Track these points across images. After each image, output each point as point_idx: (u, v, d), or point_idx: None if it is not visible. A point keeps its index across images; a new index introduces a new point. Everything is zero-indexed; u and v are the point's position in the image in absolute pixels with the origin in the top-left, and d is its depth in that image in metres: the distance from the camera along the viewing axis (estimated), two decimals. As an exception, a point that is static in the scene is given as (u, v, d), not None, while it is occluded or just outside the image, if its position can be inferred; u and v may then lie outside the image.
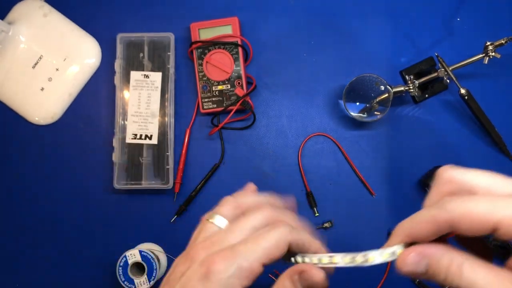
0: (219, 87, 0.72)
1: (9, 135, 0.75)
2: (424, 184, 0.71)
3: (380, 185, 0.73)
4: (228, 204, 0.38)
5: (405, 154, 0.73)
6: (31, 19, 0.74)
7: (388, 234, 0.71)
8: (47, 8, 0.75)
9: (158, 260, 0.69)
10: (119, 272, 0.67)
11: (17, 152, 0.75)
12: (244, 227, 0.34)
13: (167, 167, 0.72)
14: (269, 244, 0.33)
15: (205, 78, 0.72)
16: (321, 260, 0.34)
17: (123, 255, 0.67)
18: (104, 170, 0.74)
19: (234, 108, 0.71)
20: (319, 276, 0.33)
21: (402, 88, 0.70)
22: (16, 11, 0.75)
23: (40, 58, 0.73)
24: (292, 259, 0.36)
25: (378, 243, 0.74)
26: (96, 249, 0.73)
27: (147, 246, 0.72)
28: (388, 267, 0.71)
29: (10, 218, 0.74)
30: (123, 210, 0.74)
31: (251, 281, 0.32)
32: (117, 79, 0.72)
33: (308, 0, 0.76)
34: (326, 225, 0.72)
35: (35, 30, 0.74)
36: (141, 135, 0.72)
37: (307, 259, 0.35)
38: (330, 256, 0.34)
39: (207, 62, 0.73)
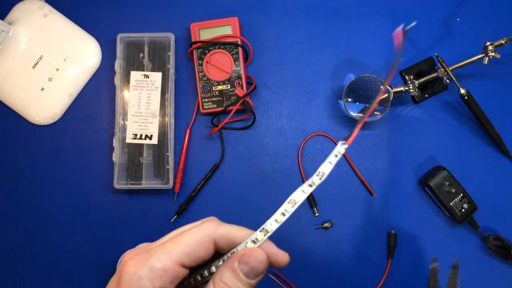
0: (219, 87, 0.72)
1: (10, 135, 0.75)
2: (424, 184, 0.71)
3: (380, 185, 0.73)
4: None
5: (405, 154, 0.73)
6: (32, 19, 0.74)
7: (388, 235, 0.71)
8: (48, 8, 0.75)
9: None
10: (119, 272, 0.66)
11: (17, 152, 0.75)
12: (173, 232, 0.35)
13: (167, 167, 0.72)
14: (190, 241, 0.32)
15: (205, 78, 0.72)
16: (257, 237, 0.34)
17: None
18: (104, 170, 0.74)
19: (234, 108, 0.71)
20: (261, 254, 0.33)
21: (402, 88, 0.70)
22: (17, 11, 0.75)
23: (40, 58, 0.73)
24: (219, 262, 0.35)
25: (378, 243, 0.74)
26: (96, 249, 0.73)
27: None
28: (388, 267, 0.71)
29: (10, 218, 0.74)
30: (123, 210, 0.74)
31: (170, 283, 0.31)
32: (117, 79, 0.72)
33: (308, 0, 0.76)
34: (326, 225, 0.72)
35: (36, 30, 0.74)
36: (141, 135, 0.72)
37: (240, 248, 0.34)
38: (261, 229, 0.34)
39: (207, 62, 0.73)
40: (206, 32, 0.73)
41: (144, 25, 0.75)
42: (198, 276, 0.35)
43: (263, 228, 0.34)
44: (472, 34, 0.75)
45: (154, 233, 0.73)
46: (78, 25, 0.75)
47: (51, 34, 0.74)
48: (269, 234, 0.34)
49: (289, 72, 0.75)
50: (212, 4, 0.76)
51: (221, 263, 0.34)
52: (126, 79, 0.72)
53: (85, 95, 0.75)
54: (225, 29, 0.73)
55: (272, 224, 0.34)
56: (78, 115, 0.75)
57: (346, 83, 0.70)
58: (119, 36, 0.73)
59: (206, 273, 0.35)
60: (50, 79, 0.74)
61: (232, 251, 0.34)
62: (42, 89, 0.74)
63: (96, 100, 0.75)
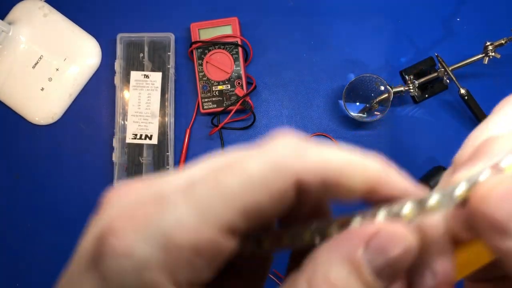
0: (219, 87, 0.72)
1: (9, 135, 0.75)
2: (424, 184, 0.71)
3: (380, 185, 0.73)
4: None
5: (405, 154, 0.73)
6: (31, 19, 0.74)
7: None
8: (47, 8, 0.75)
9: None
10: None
11: (17, 152, 0.75)
12: (211, 159, 0.20)
13: (167, 167, 0.72)
14: (253, 184, 0.18)
15: (205, 78, 0.72)
16: (426, 203, 0.18)
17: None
18: (104, 170, 0.74)
19: (234, 108, 0.71)
20: (409, 235, 0.18)
21: (402, 88, 0.70)
22: (16, 11, 0.75)
23: (40, 58, 0.73)
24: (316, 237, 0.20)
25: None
26: (96, 249, 0.73)
27: None
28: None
29: (10, 218, 0.74)
30: (123, 210, 0.73)
31: (207, 268, 0.18)
32: (117, 79, 0.73)
33: (307, 0, 0.76)
34: (326, 225, 0.71)
35: (35, 30, 0.74)
36: (141, 135, 0.72)
37: (373, 215, 0.19)
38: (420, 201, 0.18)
39: (207, 62, 0.73)
40: (206, 32, 0.73)
41: (144, 25, 0.75)
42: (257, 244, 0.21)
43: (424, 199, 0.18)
44: (472, 34, 0.74)
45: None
46: (78, 25, 0.75)
47: (51, 34, 0.74)
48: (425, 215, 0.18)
49: (289, 72, 0.75)
50: (212, 4, 0.75)
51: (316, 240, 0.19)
52: (126, 79, 0.72)
53: (85, 95, 0.75)
54: (225, 29, 0.73)
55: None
56: (78, 115, 0.75)
57: (346, 83, 0.70)
58: (119, 36, 0.73)
59: (280, 242, 0.20)
60: (50, 79, 0.74)
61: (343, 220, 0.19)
62: (42, 89, 0.74)
63: (96, 100, 0.75)
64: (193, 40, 0.72)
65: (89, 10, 0.76)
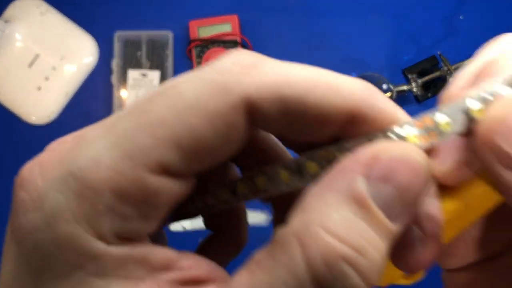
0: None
1: (6, 135, 0.75)
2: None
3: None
4: None
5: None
6: (28, 18, 0.73)
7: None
8: (44, 6, 0.74)
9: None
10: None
11: (14, 151, 0.74)
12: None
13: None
14: (179, 100, 0.15)
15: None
16: (437, 123, 0.16)
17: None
18: (101, 170, 0.73)
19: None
20: (420, 155, 0.15)
21: (404, 88, 0.69)
22: (13, 9, 0.74)
23: (37, 56, 0.73)
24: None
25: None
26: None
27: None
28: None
29: (5, 219, 0.73)
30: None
31: (142, 216, 0.15)
32: (114, 78, 0.72)
33: (308, -3, 0.75)
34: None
35: (32, 28, 0.73)
36: (139, 135, 0.71)
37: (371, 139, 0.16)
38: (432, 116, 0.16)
39: (206, 60, 0.72)
40: (205, 30, 0.72)
41: (141, 23, 0.74)
42: (216, 198, 0.19)
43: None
44: (475, 32, 0.73)
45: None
46: (75, 23, 0.75)
47: (47, 32, 0.73)
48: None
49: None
50: (211, 1, 0.75)
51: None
52: (124, 78, 0.72)
53: (82, 94, 0.75)
54: (225, 27, 0.72)
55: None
56: (75, 115, 0.74)
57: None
58: (117, 34, 0.72)
59: (227, 192, 0.19)
60: (46, 78, 0.73)
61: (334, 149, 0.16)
62: (39, 88, 0.73)
63: (93, 99, 0.74)
64: (191, 38, 0.72)
65: (86, 8, 0.75)
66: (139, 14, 0.75)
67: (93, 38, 0.75)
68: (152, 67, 0.72)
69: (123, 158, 0.14)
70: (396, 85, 0.69)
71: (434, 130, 0.15)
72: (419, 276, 0.24)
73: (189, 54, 0.73)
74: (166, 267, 0.15)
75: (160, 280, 0.15)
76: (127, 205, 0.14)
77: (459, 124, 0.15)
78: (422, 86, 0.71)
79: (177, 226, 0.53)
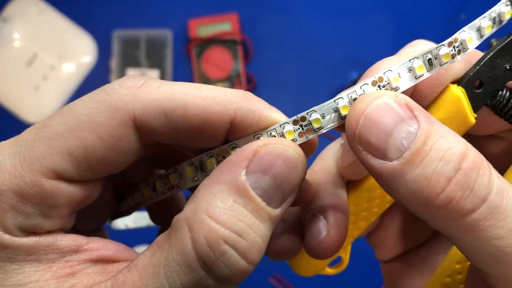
0: (218, 85, 0.71)
1: (4, 134, 0.74)
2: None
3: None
4: None
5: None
6: (26, 17, 0.73)
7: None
8: (42, 5, 0.74)
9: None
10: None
11: (12, 152, 0.74)
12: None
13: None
14: (72, 116, 0.18)
15: (203, 76, 0.71)
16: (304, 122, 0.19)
17: None
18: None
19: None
20: (293, 146, 0.18)
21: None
22: (11, 9, 0.74)
23: (35, 56, 0.73)
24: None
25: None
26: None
27: (144, 249, 0.71)
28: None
29: None
30: (120, 211, 0.73)
31: (42, 213, 0.18)
32: (113, 77, 0.72)
33: (309, -4, 0.75)
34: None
35: (30, 27, 0.73)
36: (138, 135, 0.71)
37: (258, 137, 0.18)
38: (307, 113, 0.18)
39: (205, 59, 0.72)
40: (205, 29, 0.72)
41: (140, 22, 0.74)
42: (142, 196, 0.22)
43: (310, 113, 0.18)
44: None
45: (151, 234, 0.72)
46: (74, 22, 0.75)
47: (46, 31, 0.73)
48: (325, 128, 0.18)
49: (290, 69, 0.74)
50: None
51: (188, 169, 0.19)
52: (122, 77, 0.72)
53: (81, 93, 0.74)
54: (224, 26, 0.72)
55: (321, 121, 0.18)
56: (74, 114, 0.74)
57: (348, 81, 0.69)
58: (115, 33, 0.72)
59: (149, 190, 0.21)
60: (44, 77, 0.73)
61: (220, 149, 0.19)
62: (37, 87, 0.73)
63: (92, 99, 0.74)
64: (191, 37, 0.71)
65: (84, 7, 0.75)
66: (138, 12, 0.75)
67: (91, 37, 0.74)
68: (151, 66, 0.72)
69: (22, 165, 0.17)
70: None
71: (309, 126, 0.18)
72: (343, 267, 0.27)
73: (188, 53, 0.73)
74: (75, 250, 0.18)
75: (71, 262, 0.18)
76: (27, 204, 0.17)
77: (331, 120, 0.18)
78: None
79: (120, 225, 0.55)
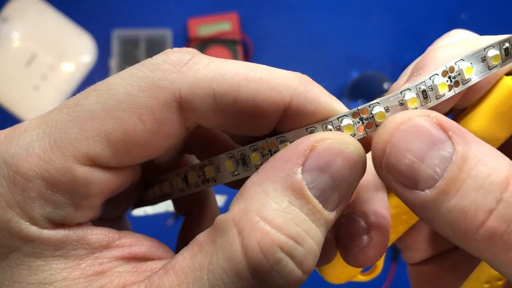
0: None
1: (3, 135, 0.74)
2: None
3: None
4: None
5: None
6: (25, 16, 0.73)
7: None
8: (42, 5, 0.74)
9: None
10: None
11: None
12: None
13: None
14: (110, 95, 0.16)
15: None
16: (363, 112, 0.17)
17: None
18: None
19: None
20: (354, 144, 0.16)
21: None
22: (10, 8, 0.74)
23: (34, 56, 0.73)
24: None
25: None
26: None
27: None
28: (391, 271, 0.69)
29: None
30: (119, 211, 0.72)
31: (73, 203, 0.16)
32: (113, 77, 0.72)
33: (309, -5, 0.75)
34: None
35: (29, 27, 0.73)
36: (137, 135, 0.71)
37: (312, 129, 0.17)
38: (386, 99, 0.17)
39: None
40: (205, 28, 0.72)
41: (140, 21, 0.74)
42: (171, 187, 0.20)
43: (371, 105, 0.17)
44: (478, 31, 0.73)
45: (151, 235, 0.72)
46: (73, 22, 0.74)
47: (45, 31, 0.73)
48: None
49: (290, 69, 0.73)
50: (210, -1, 0.75)
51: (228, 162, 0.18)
52: (122, 77, 0.72)
53: (80, 93, 0.74)
54: (224, 25, 0.72)
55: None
56: (73, 114, 0.74)
57: (349, 81, 0.69)
58: (115, 33, 0.72)
59: (180, 181, 0.20)
60: (44, 77, 0.73)
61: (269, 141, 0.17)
62: (36, 87, 0.73)
63: (91, 99, 0.74)
64: (191, 37, 0.71)
65: (83, 6, 0.75)
66: (137, 12, 0.75)
67: (91, 36, 0.74)
68: (151, 66, 0.72)
69: (52, 148, 0.15)
70: (398, 84, 0.69)
71: (370, 120, 0.16)
72: (376, 273, 0.25)
73: (188, 53, 0.73)
74: (106, 246, 0.16)
75: (101, 258, 0.16)
76: (57, 193, 0.15)
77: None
78: (424, 85, 0.71)
79: (139, 211, 0.54)
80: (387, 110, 0.16)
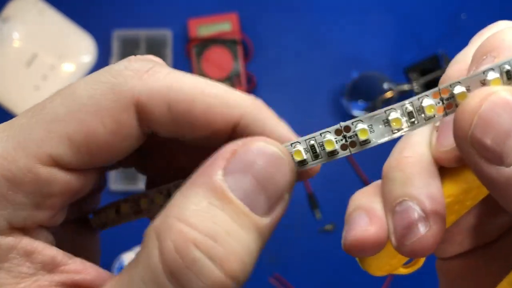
0: (218, 86, 0.71)
1: (3, 135, 0.74)
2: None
3: (384, 186, 0.71)
4: None
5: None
6: (26, 16, 0.73)
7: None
8: (42, 5, 0.74)
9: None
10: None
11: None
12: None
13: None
14: (73, 98, 0.16)
15: (203, 76, 0.71)
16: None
17: (119, 258, 0.66)
18: (100, 170, 0.73)
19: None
20: (276, 145, 0.16)
21: (406, 88, 0.69)
22: (11, 8, 0.74)
23: (35, 56, 0.73)
24: None
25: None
26: (92, 252, 0.72)
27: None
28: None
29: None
30: (120, 211, 0.72)
31: (34, 205, 0.16)
32: (113, 77, 0.72)
33: (309, -5, 0.75)
34: (328, 227, 0.70)
35: (30, 27, 0.73)
36: (137, 135, 0.71)
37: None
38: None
39: (205, 59, 0.71)
40: (205, 29, 0.72)
41: (140, 21, 0.74)
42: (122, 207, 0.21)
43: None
44: (477, 31, 0.73)
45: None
46: (73, 22, 0.74)
47: (45, 31, 0.73)
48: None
49: (290, 69, 0.73)
50: (210, -1, 0.75)
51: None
52: (122, 77, 0.72)
53: (81, 93, 0.74)
54: (224, 26, 0.72)
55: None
56: (73, 114, 0.74)
57: (349, 81, 0.69)
58: (115, 33, 0.72)
59: (144, 202, 0.20)
60: (44, 77, 0.73)
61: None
62: (37, 87, 0.73)
63: (92, 99, 0.74)
64: (191, 37, 0.71)
65: (84, 6, 0.75)
66: (137, 12, 0.75)
67: (91, 37, 0.74)
68: (151, 66, 0.72)
69: (16, 149, 0.15)
70: (397, 84, 0.69)
71: (451, 101, 0.16)
72: (419, 265, 0.24)
73: (188, 53, 0.72)
74: (50, 269, 0.16)
75: (42, 281, 0.16)
76: (19, 192, 0.15)
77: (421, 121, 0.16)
78: (424, 85, 0.71)
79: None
80: (468, 90, 0.16)
